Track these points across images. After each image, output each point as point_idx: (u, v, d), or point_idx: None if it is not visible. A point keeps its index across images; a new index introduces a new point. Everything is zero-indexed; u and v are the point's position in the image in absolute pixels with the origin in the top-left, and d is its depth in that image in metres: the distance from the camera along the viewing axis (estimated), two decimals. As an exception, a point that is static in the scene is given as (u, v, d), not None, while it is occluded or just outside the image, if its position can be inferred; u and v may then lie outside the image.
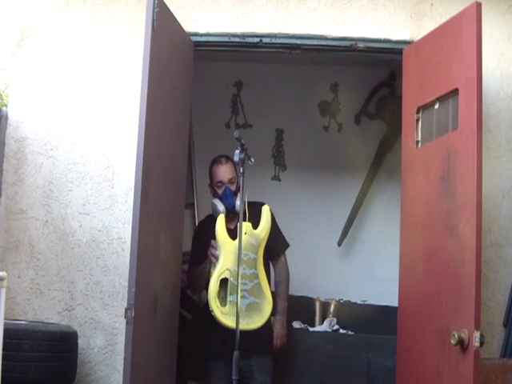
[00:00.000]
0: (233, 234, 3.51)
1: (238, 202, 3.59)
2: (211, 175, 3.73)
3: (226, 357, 3.48)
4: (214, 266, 3.42)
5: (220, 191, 3.67)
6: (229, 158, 3.70)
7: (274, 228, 3.72)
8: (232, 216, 3.63)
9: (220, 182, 3.67)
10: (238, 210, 3.55)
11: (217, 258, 3.42)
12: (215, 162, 3.73)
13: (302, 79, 5.55)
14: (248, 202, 3.57)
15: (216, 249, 3.44)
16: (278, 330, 3.73)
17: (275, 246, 3.73)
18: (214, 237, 3.46)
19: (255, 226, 3.49)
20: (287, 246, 3.84)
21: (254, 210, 3.56)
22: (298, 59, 4.71)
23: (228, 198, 3.63)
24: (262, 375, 3.57)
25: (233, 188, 3.66)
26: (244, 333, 3.18)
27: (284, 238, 3.84)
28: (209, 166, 3.77)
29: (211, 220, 3.62)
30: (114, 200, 3.80)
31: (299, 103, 5.59)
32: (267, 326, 3.60)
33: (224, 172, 3.68)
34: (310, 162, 5.57)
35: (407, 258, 3.44)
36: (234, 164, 3.68)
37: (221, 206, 3.60)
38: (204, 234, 3.65)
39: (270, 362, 3.66)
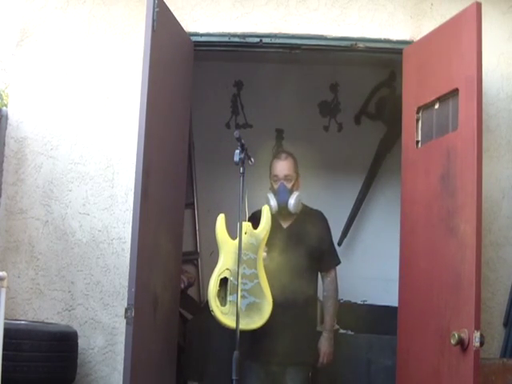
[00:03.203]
0: (285, 233, 3.59)
1: (291, 201, 3.60)
2: (270, 168, 3.72)
3: (261, 359, 3.55)
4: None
5: (276, 186, 3.66)
6: (290, 155, 3.72)
7: (329, 241, 3.77)
8: (285, 213, 3.63)
9: (276, 176, 3.67)
10: (291, 209, 3.60)
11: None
12: (275, 155, 3.73)
13: (302, 79, 5.55)
14: (305, 207, 3.67)
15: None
16: (326, 347, 3.66)
17: (327, 259, 3.74)
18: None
19: (307, 237, 3.60)
20: (339, 262, 3.80)
21: (310, 220, 3.66)
22: (298, 59, 4.71)
23: (281, 194, 3.62)
24: None
25: (289, 185, 3.64)
26: (283, 341, 3.32)
27: (337, 253, 3.81)
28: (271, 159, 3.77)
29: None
30: (114, 200, 3.80)
31: (299, 103, 5.59)
32: (308, 338, 3.63)
33: (281, 167, 3.66)
34: (309, 161, 5.56)
35: (407, 258, 3.44)
36: (296, 161, 3.72)
37: (273, 201, 3.60)
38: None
39: (305, 373, 3.63)
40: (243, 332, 3.08)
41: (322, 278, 3.78)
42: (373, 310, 4.94)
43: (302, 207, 3.73)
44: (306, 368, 3.65)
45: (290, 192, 3.63)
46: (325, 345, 3.66)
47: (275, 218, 3.57)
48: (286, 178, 3.65)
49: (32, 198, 3.82)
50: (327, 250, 3.74)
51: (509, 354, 3.47)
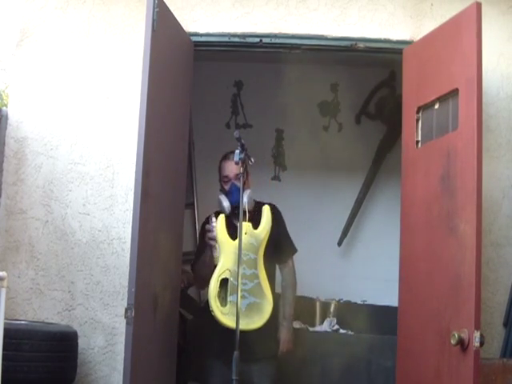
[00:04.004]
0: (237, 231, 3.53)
1: (244, 199, 3.58)
2: (219, 170, 3.71)
3: (225, 357, 3.49)
4: (216, 249, 3.42)
5: (227, 187, 3.65)
6: None
7: (284, 232, 3.75)
8: (238, 212, 3.61)
9: (226, 176, 3.65)
10: (245, 207, 3.57)
11: (215, 240, 3.41)
12: (224, 157, 3.70)
13: (302, 79, 5.54)
14: (257, 203, 3.62)
15: (213, 231, 3.43)
16: (285, 335, 3.67)
17: (284, 250, 3.73)
18: None
19: (255, 226, 3.49)
20: (295, 250, 3.80)
21: (258, 210, 3.58)
22: (298, 59, 4.70)
23: (234, 194, 3.58)
24: (261, 381, 3.55)
25: (239, 184, 3.63)
26: (246, 337, 3.17)
27: (292, 242, 3.79)
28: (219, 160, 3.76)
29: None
30: (114, 200, 3.80)
31: (299, 103, 5.59)
32: (269, 330, 3.57)
33: (231, 168, 3.62)
34: (310, 162, 5.57)
35: (407, 258, 3.44)
36: (244, 160, 3.70)
37: (226, 202, 3.57)
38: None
39: (272, 368, 3.62)
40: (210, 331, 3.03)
41: (280, 269, 3.76)
42: (373, 309, 4.94)
43: (255, 204, 3.67)
44: (271, 362, 3.62)
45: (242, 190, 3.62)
46: (284, 333, 3.66)
47: (229, 218, 3.53)
48: (237, 176, 3.56)
49: (32, 197, 3.82)
50: (283, 240, 3.70)
51: (509, 354, 3.47)
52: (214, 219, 3.49)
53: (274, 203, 3.73)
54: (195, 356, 3.88)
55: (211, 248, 3.48)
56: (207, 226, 3.49)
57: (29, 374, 3.23)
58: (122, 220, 3.77)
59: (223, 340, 3.41)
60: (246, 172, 3.65)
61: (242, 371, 3.27)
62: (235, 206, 3.55)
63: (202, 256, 3.59)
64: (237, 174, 3.61)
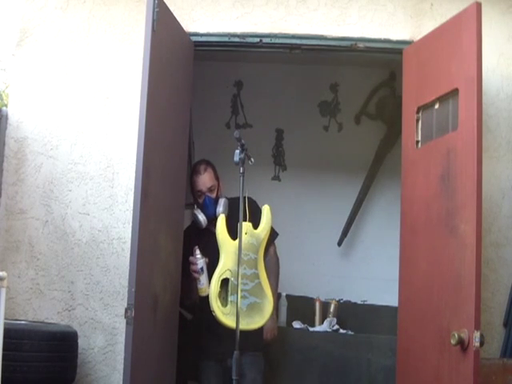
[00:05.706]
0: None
1: (219, 209, 3.58)
2: (191, 184, 3.70)
3: (218, 356, 3.50)
4: (199, 281, 3.43)
5: (200, 200, 3.66)
6: (208, 165, 3.69)
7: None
8: (214, 224, 3.57)
9: (199, 191, 3.65)
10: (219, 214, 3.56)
11: (199, 273, 3.42)
12: (194, 171, 3.69)
13: (302, 79, 5.55)
14: (232, 198, 3.57)
15: (196, 264, 3.43)
16: (269, 323, 3.65)
17: None
18: (199, 245, 3.48)
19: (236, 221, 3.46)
20: (276, 235, 3.76)
21: (237, 206, 3.56)
22: (298, 59, 4.71)
23: (208, 207, 3.61)
24: (252, 373, 3.56)
25: (213, 196, 3.63)
26: (234, 331, 3.15)
27: (273, 227, 3.66)
28: (190, 173, 3.76)
29: (195, 229, 3.64)
30: (114, 200, 3.80)
31: (299, 103, 5.59)
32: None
33: (203, 181, 3.64)
34: (310, 162, 5.57)
35: (407, 258, 3.44)
36: (214, 170, 3.71)
37: (202, 217, 3.60)
38: (191, 244, 3.55)
39: (261, 360, 3.65)
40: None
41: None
42: (373, 309, 4.95)
43: (229, 200, 3.65)
44: (259, 353, 3.64)
45: (216, 201, 3.61)
46: (268, 322, 3.59)
47: (207, 228, 3.57)
48: (210, 189, 3.63)
49: (32, 198, 3.82)
50: None
51: (509, 353, 3.47)
52: (197, 251, 3.47)
53: (251, 197, 3.62)
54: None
55: (196, 280, 3.46)
56: (191, 259, 3.47)
57: (29, 374, 3.23)
58: (122, 220, 3.77)
59: (211, 340, 3.42)
60: (217, 179, 3.67)
61: (230, 363, 3.17)
62: (211, 220, 3.56)
63: (187, 286, 3.56)
64: (209, 187, 3.63)
